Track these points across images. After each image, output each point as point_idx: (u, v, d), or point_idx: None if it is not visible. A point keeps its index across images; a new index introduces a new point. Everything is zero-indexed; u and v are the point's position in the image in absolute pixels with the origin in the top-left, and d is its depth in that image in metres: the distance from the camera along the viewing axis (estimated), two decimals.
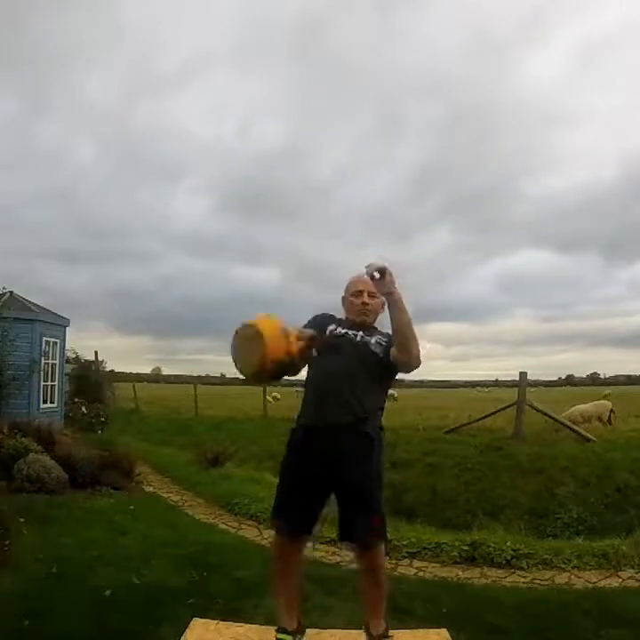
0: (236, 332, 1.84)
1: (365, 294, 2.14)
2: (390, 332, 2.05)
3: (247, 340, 1.74)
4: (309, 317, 2.26)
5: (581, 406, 11.36)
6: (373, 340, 2.09)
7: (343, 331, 2.14)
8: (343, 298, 2.25)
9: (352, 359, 2.02)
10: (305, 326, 2.15)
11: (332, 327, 2.16)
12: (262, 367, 1.73)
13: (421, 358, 1.97)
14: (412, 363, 1.96)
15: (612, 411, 11.32)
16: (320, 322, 2.20)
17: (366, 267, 1.88)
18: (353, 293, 2.19)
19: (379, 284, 1.88)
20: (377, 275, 1.85)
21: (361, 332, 2.12)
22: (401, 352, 1.94)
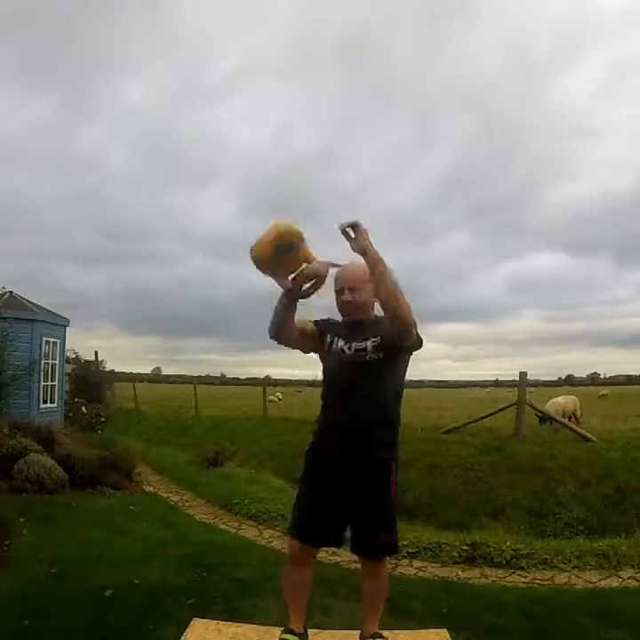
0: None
1: (346, 291, 1.98)
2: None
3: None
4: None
5: (559, 399, 11.33)
6: (369, 346, 1.94)
7: (336, 346, 2.00)
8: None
9: (359, 378, 1.91)
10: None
11: (328, 339, 2.03)
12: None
13: (414, 318, 1.85)
14: (408, 328, 1.83)
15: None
16: (322, 325, 2.08)
17: (337, 225, 1.77)
18: (336, 291, 2.03)
19: (352, 243, 1.79)
20: (350, 232, 1.77)
21: (354, 342, 1.97)
22: (392, 323, 1.81)
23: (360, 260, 1.85)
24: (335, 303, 2.07)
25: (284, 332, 1.97)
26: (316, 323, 2.10)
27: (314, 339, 2.06)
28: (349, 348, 1.97)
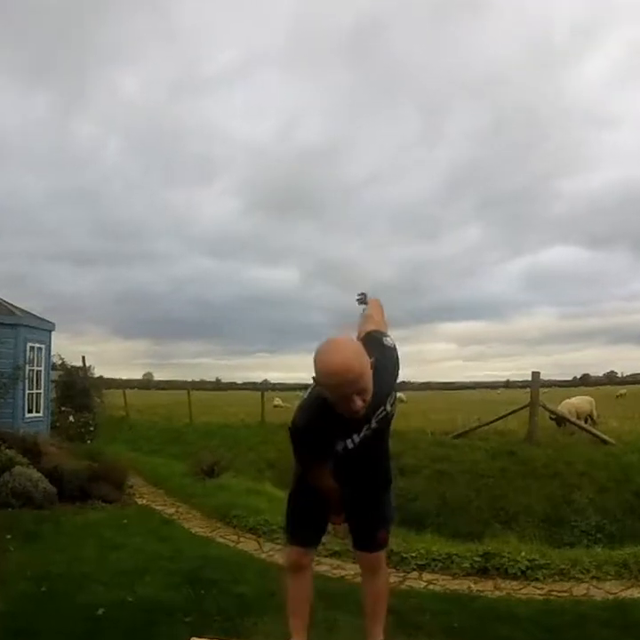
0: None
1: (356, 399, 1.61)
2: (384, 351, 1.81)
3: None
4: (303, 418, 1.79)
5: (574, 400, 11.30)
6: (389, 407, 1.83)
7: (356, 441, 1.80)
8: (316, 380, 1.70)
9: (375, 452, 1.93)
10: (300, 457, 1.89)
11: (339, 446, 1.80)
12: None
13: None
14: None
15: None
16: (320, 448, 1.81)
17: None
18: (339, 397, 1.63)
19: None
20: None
21: (373, 421, 1.79)
22: None
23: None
24: (335, 402, 1.67)
25: None
26: (313, 450, 1.85)
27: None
28: (368, 427, 1.80)
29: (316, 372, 1.64)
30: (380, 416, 1.80)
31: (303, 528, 2.09)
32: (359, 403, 1.62)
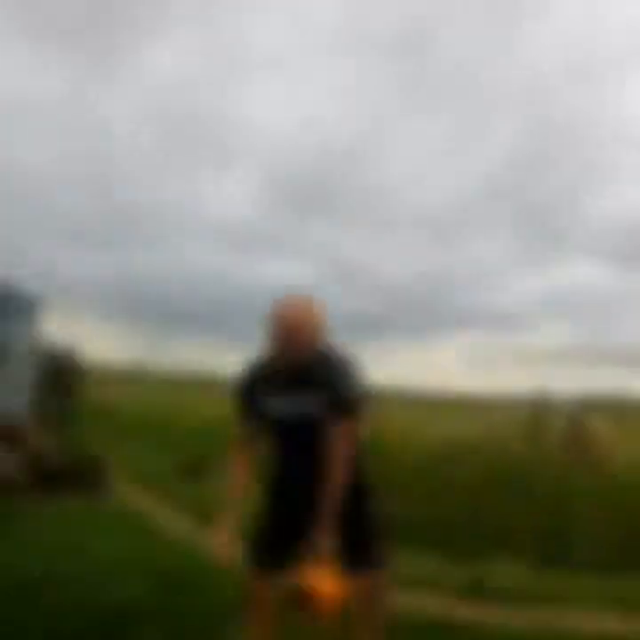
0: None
1: (282, 334, 2.19)
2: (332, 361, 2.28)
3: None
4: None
5: None
6: (317, 404, 2.22)
7: (279, 405, 2.28)
8: None
9: (303, 442, 2.27)
10: (241, 411, 2.42)
11: (273, 403, 2.30)
12: None
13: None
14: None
15: None
16: (250, 401, 2.39)
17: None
18: (272, 333, 2.23)
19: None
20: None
21: (299, 396, 2.24)
22: None
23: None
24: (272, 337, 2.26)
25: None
26: (245, 401, 2.45)
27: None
28: (293, 402, 2.28)
29: (271, 307, 2.22)
30: (303, 406, 2.23)
31: (267, 542, 2.27)
32: (284, 341, 2.17)
